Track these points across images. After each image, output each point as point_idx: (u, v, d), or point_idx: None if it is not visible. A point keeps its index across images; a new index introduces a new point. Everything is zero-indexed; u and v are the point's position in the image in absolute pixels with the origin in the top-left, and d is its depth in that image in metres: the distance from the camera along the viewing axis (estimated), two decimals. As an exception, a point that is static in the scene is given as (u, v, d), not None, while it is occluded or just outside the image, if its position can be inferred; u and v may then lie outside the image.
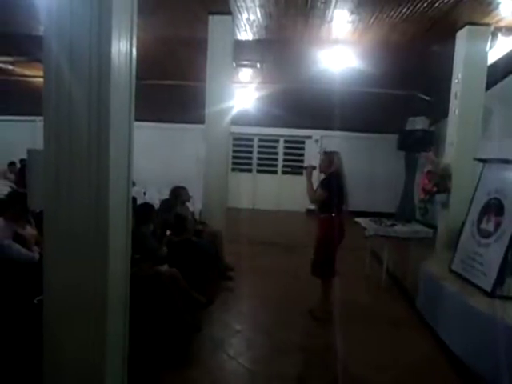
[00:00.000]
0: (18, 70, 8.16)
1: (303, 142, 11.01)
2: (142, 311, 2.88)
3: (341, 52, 6.52)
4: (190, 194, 6.86)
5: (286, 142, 11.16)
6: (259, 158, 11.32)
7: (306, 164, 4.22)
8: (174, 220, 4.13)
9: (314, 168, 4.01)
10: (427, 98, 8.22)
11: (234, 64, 7.00)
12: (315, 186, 3.95)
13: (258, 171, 11.31)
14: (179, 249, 3.91)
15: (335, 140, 9.83)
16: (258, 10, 5.09)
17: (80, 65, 1.81)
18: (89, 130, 1.81)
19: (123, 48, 1.93)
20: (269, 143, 11.22)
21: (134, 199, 7.90)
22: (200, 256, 4.09)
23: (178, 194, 4.69)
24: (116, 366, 2.08)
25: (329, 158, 3.91)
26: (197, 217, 5.91)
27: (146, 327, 2.89)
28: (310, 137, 10.82)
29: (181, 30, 5.91)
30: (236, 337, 3.52)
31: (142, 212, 3.42)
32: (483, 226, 3.78)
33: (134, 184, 9.41)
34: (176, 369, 2.92)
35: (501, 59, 5.80)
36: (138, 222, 3.28)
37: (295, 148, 11.07)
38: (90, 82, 1.79)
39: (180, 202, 4.72)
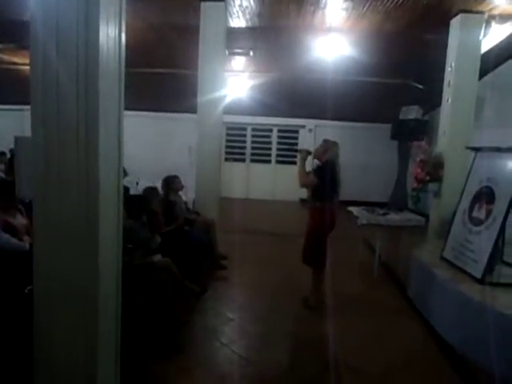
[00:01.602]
0: (6, 57, 7.99)
1: (297, 132, 10.98)
2: (134, 300, 2.88)
3: (335, 40, 6.46)
4: (184, 183, 6.84)
5: (279, 131, 11.12)
6: (253, 148, 11.28)
7: (299, 147, 4.18)
8: (163, 207, 4.11)
9: (309, 153, 4.01)
10: (421, 86, 8.22)
11: (227, 52, 6.92)
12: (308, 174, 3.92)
13: (252, 161, 11.28)
14: (171, 238, 3.90)
15: (329, 129, 9.80)
16: (250, -3, 5.02)
17: (67, 50, 1.77)
18: (77, 117, 1.78)
19: (112, 33, 1.88)
20: (262, 133, 11.17)
21: (127, 189, 7.86)
22: (192, 245, 4.09)
23: (171, 183, 4.66)
24: (108, 355, 2.08)
25: (325, 145, 3.91)
26: (190, 206, 5.89)
27: (138, 316, 2.88)
28: (303, 126, 10.78)
29: (172, 17, 5.81)
30: (229, 325, 3.54)
31: (132, 204, 3.38)
32: (475, 214, 3.81)
33: (126, 174, 9.37)
34: (168, 357, 2.93)
35: (494, 48, 5.80)
36: (128, 214, 3.25)
37: (289, 137, 11.04)
38: (77, 68, 1.75)
39: (173, 191, 4.69)
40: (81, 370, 1.94)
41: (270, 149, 11.23)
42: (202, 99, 5.27)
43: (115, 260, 2.08)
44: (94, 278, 1.86)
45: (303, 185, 3.93)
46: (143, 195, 4.06)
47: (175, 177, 4.75)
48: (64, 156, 1.83)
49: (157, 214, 4.12)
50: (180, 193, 5.29)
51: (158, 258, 3.15)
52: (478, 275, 3.41)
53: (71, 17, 1.74)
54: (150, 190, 4.26)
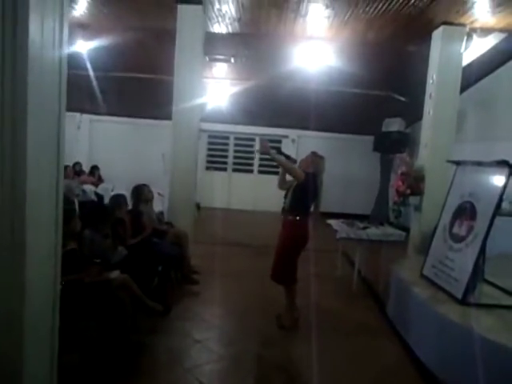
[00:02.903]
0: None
1: (280, 142, 10.80)
2: (87, 321, 2.61)
3: (317, 49, 6.36)
4: (161, 192, 6.57)
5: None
6: (235, 157, 11.07)
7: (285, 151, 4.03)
8: (130, 218, 3.86)
9: (294, 161, 3.86)
10: (403, 99, 8.18)
11: (207, 58, 6.74)
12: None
13: (234, 170, 11.07)
14: (137, 251, 3.64)
15: (312, 140, 9.71)
16: (229, 1, 4.86)
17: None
18: (1, 120, 1.53)
19: (50, 23, 1.65)
20: (245, 142, 10.98)
21: (101, 197, 7.54)
22: (161, 258, 3.83)
23: (140, 193, 4.39)
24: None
25: (312, 158, 3.78)
26: (166, 216, 5.62)
27: (91, 339, 2.61)
28: (286, 136, 10.65)
29: (148, 20, 5.61)
30: (195, 348, 3.26)
31: (91, 214, 3.12)
32: (455, 230, 3.66)
33: (102, 181, 9.04)
34: (125, 384, 2.66)
35: (475, 61, 5.76)
36: (84, 224, 2.99)
37: (272, 147, 10.85)
38: (2, 59, 1.51)
39: (143, 201, 4.43)
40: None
41: (252, 158, 11.04)
42: (177, 106, 5.05)
43: (51, 276, 1.82)
44: (19, 298, 1.60)
45: (293, 173, 3.68)
46: (107, 204, 3.79)
47: (144, 185, 4.49)
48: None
49: (124, 223, 3.86)
50: (155, 202, 5.03)
51: (115, 274, 2.88)
52: (459, 295, 3.23)
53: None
54: (117, 198, 3.99)
